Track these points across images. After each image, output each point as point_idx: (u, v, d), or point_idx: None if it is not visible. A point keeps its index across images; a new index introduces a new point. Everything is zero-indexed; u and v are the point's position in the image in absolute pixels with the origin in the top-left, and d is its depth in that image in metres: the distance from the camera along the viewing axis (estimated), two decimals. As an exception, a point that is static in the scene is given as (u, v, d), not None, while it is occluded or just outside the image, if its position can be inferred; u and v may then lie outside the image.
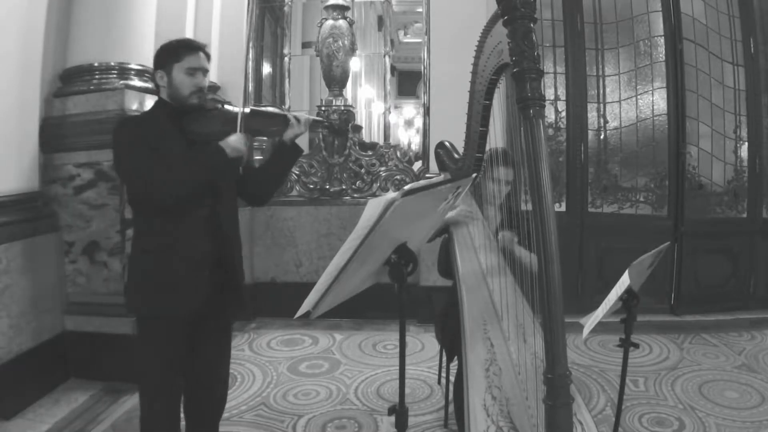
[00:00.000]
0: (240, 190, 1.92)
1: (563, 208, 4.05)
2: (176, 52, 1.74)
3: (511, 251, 2.08)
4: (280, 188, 3.82)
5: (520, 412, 1.46)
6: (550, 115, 4.05)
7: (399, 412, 1.42)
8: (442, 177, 2.13)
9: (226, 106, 1.84)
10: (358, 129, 4.65)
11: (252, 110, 1.85)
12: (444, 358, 2.61)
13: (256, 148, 4.45)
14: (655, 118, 4.03)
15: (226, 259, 1.83)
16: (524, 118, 1.19)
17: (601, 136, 4.08)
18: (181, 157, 1.69)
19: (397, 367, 1.46)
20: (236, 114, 1.79)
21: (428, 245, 2.09)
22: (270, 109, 1.98)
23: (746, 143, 4.05)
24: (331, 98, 4.23)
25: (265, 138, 4.09)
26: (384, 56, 4.50)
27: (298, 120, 1.89)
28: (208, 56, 1.81)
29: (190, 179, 1.69)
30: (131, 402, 2.62)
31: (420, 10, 4.29)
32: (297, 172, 4.19)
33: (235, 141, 1.74)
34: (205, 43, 1.82)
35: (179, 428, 1.85)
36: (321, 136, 4.19)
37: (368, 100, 7.56)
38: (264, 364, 3.25)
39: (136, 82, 2.96)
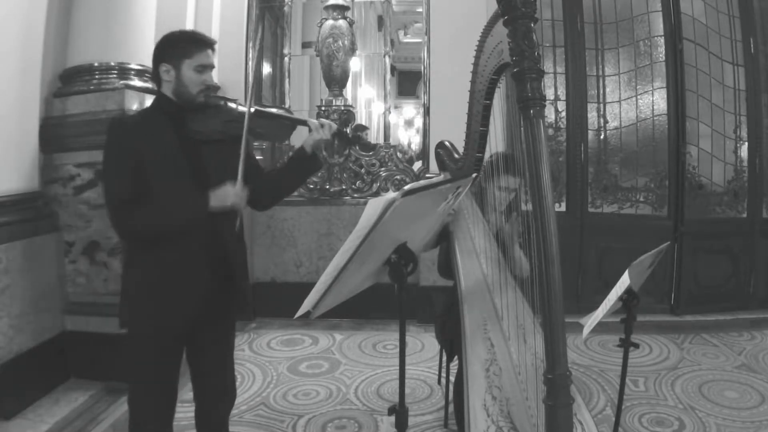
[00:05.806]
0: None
1: (563, 208, 4.04)
2: (186, 49, 1.66)
3: (509, 247, 2.09)
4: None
5: (520, 412, 1.45)
6: (550, 115, 4.05)
7: (399, 412, 1.42)
8: (442, 177, 2.13)
9: (230, 104, 1.76)
10: (363, 129, 4.64)
11: (257, 110, 1.75)
12: (444, 358, 2.61)
13: (256, 148, 4.45)
14: (655, 118, 4.02)
15: (228, 261, 1.75)
16: (524, 118, 1.19)
17: (601, 136, 4.07)
18: (158, 201, 1.60)
19: (397, 367, 1.46)
20: (240, 113, 1.71)
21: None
22: (275, 110, 1.89)
23: (746, 143, 4.05)
24: (331, 98, 4.23)
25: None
26: (384, 56, 4.50)
27: (321, 125, 1.78)
28: (214, 51, 1.73)
29: (155, 226, 1.62)
30: (131, 402, 2.62)
31: (420, 10, 4.29)
32: (297, 172, 4.19)
33: (224, 194, 1.61)
34: (213, 39, 1.74)
35: None
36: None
37: (368, 100, 7.55)
38: (264, 364, 3.25)
39: (136, 82, 2.95)
